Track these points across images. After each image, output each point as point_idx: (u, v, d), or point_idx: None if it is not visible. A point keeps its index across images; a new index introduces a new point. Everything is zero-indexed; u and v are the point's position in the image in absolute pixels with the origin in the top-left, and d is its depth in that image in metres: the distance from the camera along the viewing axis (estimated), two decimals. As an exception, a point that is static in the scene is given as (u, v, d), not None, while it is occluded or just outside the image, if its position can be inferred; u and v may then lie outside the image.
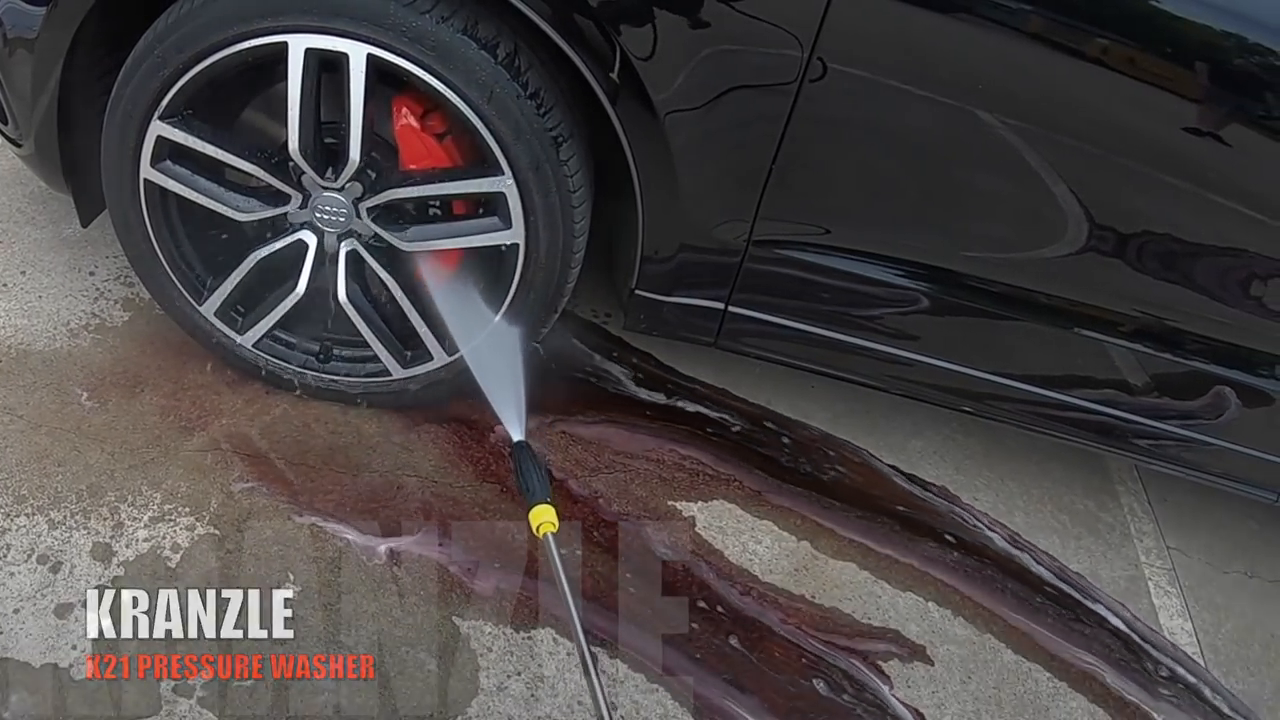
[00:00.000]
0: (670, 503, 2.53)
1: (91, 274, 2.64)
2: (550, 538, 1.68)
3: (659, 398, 2.83)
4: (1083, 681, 2.42)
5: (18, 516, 2.08)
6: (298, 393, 2.46)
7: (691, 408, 2.83)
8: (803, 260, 2.22)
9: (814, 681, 2.23)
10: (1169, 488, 3.13)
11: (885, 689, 2.26)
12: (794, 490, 2.67)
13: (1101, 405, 2.43)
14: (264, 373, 2.42)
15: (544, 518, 1.70)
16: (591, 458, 2.58)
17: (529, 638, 2.13)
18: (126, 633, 1.94)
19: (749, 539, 2.50)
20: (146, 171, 2.12)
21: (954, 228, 2.20)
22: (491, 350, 2.24)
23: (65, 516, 2.11)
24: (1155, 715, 2.39)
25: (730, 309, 2.29)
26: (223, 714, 1.88)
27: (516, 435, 2.02)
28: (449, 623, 2.12)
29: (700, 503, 2.56)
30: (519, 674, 2.08)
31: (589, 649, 1.53)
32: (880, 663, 2.31)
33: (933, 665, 2.35)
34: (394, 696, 1.98)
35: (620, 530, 2.41)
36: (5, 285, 2.55)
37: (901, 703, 2.23)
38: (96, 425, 2.29)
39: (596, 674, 1.50)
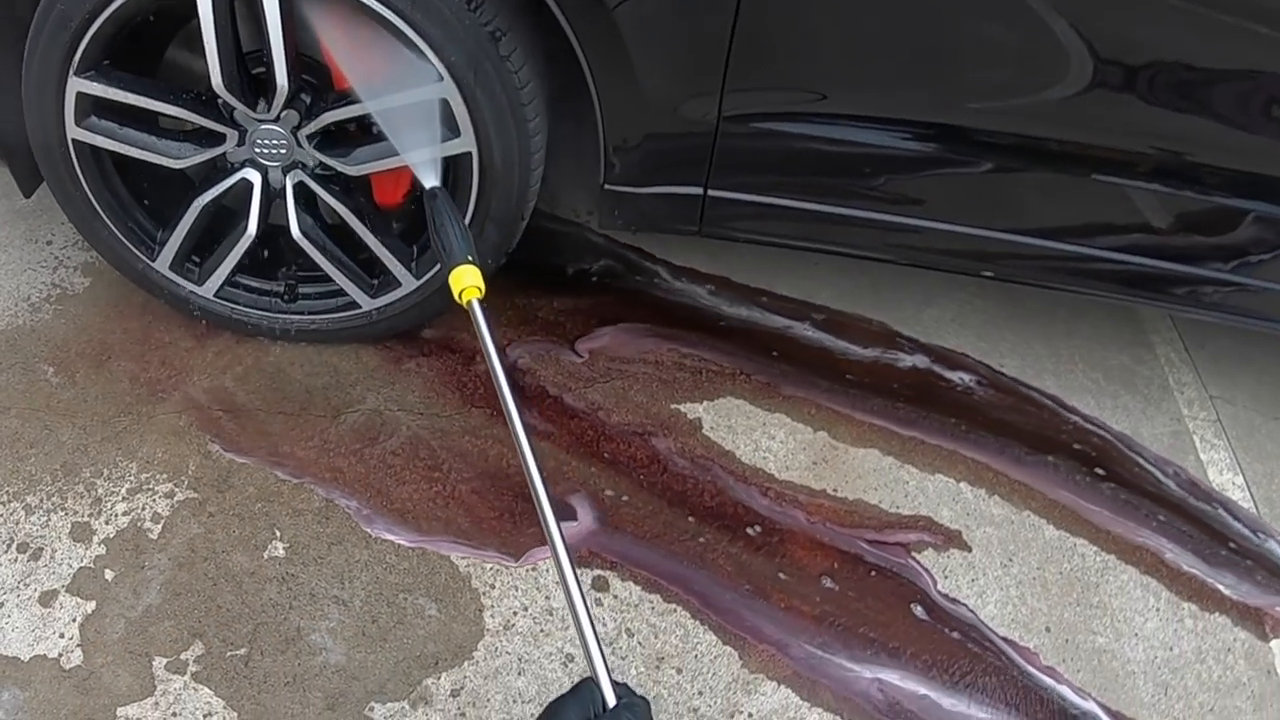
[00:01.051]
0: (674, 406, 2.37)
1: (49, 243, 2.49)
2: (476, 304, 1.44)
3: (653, 295, 2.65)
4: (1133, 553, 2.24)
5: (-7, 505, 1.97)
6: (269, 338, 2.33)
7: (689, 301, 2.66)
8: (783, 132, 2.02)
9: (843, 583, 2.07)
10: (1206, 335, 2.89)
11: (921, 581, 2.10)
12: (806, 378, 2.49)
13: (1127, 254, 2.20)
14: (231, 322, 2.28)
15: (467, 281, 1.46)
16: (585, 368, 2.42)
17: (533, 569, 2.00)
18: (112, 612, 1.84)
19: (761, 435, 2.34)
20: (73, 131, 1.98)
21: (951, 78, 1.98)
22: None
23: (42, 500, 1.99)
24: (1214, 583, 2.21)
25: (710, 193, 2.10)
26: (217, 686, 1.77)
27: (429, 181, 1.78)
28: (447, 563, 1.99)
29: (706, 402, 2.39)
30: (525, 610, 1.94)
31: (529, 443, 1.25)
32: (914, 554, 2.15)
33: (970, 551, 2.18)
34: (395, 648, 1.86)
35: (623, 442, 2.26)
36: (-39, 265, 2.42)
37: (942, 595, 2.07)
38: (66, 400, 2.16)
39: (544, 490, 1.27)
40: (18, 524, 1.95)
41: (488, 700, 1.82)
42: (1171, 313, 2.89)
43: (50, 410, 2.13)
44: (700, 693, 1.88)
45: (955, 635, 2.02)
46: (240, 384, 2.24)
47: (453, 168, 2.02)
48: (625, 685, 1.13)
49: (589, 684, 1.12)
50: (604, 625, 1.94)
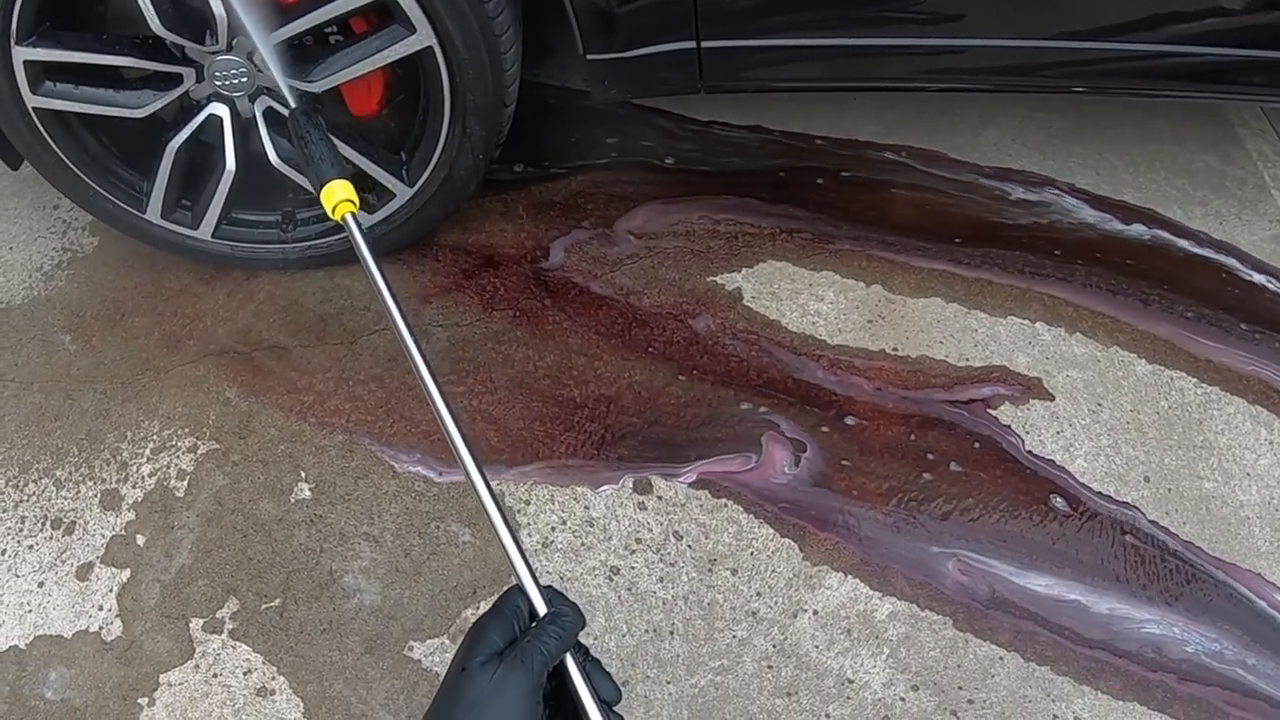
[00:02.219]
0: (710, 278, 2.15)
1: (55, 207, 2.38)
2: (350, 218, 1.35)
3: (676, 156, 2.42)
4: (1239, 381, 1.96)
5: (26, 485, 1.90)
6: (277, 270, 2.20)
7: (715, 160, 2.41)
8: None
9: (910, 453, 1.85)
10: (1302, 123, 2.52)
11: (1000, 440, 1.87)
12: (853, 228, 2.24)
13: (1199, 45, 1.87)
14: (235, 260, 2.15)
15: (340, 196, 1.36)
16: (610, 249, 2.22)
17: (570, 481, 1.84)
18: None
19: (809, 298, 2.11)
20: (32, 100, 1.87)
21: None
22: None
23: (70, 472, 1.91)
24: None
25: (705, 45, 1.84)
26: (254, 641, 1.67)
27: (290, 103, 1.68)
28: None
29: (745, 269, 2.17)
30: (563, 523, 1.79)
31: (420, 354, 1.19)
32: (989, 410, 1.91)
33: (1052, 400, 1.93)
34: (430, 581, 1.73)
35: (655, 328, 2.07)
36: (-25, 243, 2.33)
37: (1029, 453, 1.84)
38: (85, 367, 2.06)
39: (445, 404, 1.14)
40: (50, 500, 1.87)
41: (529, 626, 1.68)
42: (1260, 104, 2.51)
43: (71, 379, 2.05)
44: (759, 594, 1.71)
45: (1041, 497, 1.80)
46: (255, 321, 2.12)
47: (420, 67, 1.85)
48: (553, 589, 1.03)
49: (514, 593, 1.01)
50: (650, 530, 1.78)
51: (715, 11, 1.79)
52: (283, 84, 1.72)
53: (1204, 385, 1.95)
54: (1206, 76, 1.95)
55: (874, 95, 2.18)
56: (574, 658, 0.96)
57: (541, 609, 1.00)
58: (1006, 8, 1.87)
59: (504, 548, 1.06)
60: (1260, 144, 2.42)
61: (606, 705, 0.95)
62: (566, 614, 0.98)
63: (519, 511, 1.80)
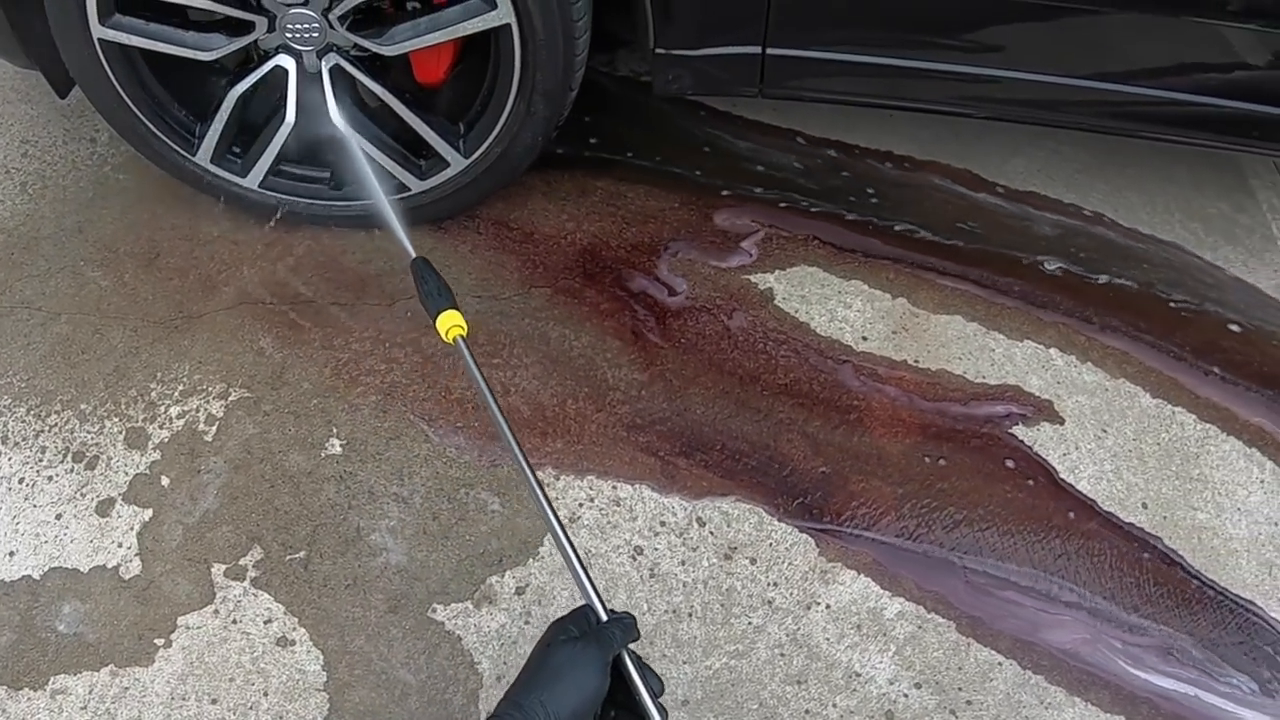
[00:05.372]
0: (744, 277, 2.14)
1: (92, 141, 2.32)
2: (462, 341, 1.44)
3: (713, 159, 2.40)
4: (1237, 420, 2.00)
5: (49, 415, 1.85)
6: (319, 226, 2.15)
7: (752, 161, 2.40)
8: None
9: (926, 460, 1.87)
10: (1312, 180, 2.57)
11: (1013, 455, 1.89)
12: (884, 240, 2.24)
13: (1223, 98, 1.90)
14: (279, 211, 2.11)
15: (452, 322, 1.45)
16: (648, 238, 2.20)
17: (600, 458, 1.83)
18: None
19: (837, 304, 2.11)
20: (99, 31, 1.81)
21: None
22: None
23: (95, 407, 1.86)
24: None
25: (769, 51, 1.84)
26: (277, 591, 1.65)
27: (410, 253, 1.75)
28: (509, 454, 1.82)
29: (777, 271, 2.16)
30: (591, 500, 1.78)
31: (528, 464, 1.32)
32: (1002, 427, 1.93)
33: (1062, 423, 1.95)
34: (457, 546, 1.71)
35: (689, 320, 2.06)
36: (7, 170, 2.25)
37: (1029, 465, 1.87)
38: (116, 303, 2.01)
39: (540, 490, 1.29)
40: (72, 432, 1.83)
41: (553, 598, 1.67)
42: (1273, 158, 2.55)
43: (101, 313, 1.99)
44: (775, 584, 1.71)
45: (1045, 513, 1.82)
46: (293, 275, 2.07)
47: (494, 42, 1.82)
48: (613, 610, 1.19)
49: (585, 608, 1.19)
50: (674, 515, 1.77)
51: (786, 19, 1.78)
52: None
53: (1203, 422, 1.98)
54: (1225, 128, 1.99)
55: (912, 114, 2.18)
56: (629, 655, 1.14)
57: (605, 617, 1.17)
58: (1044, 46, 1.89)
59: (573, 572, 1.22)
60: (1270, 196, 2.46)
61: (653, 694, 1.12)
62: (627, 619, 1.16)
63: (549, 485, 1.79)
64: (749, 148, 2.42)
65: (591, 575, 1.25)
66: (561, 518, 1.71)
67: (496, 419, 1.35)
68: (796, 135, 2.47)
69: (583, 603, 1.20)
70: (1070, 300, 2.15)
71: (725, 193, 2.31)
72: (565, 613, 1.20)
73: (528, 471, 1.29)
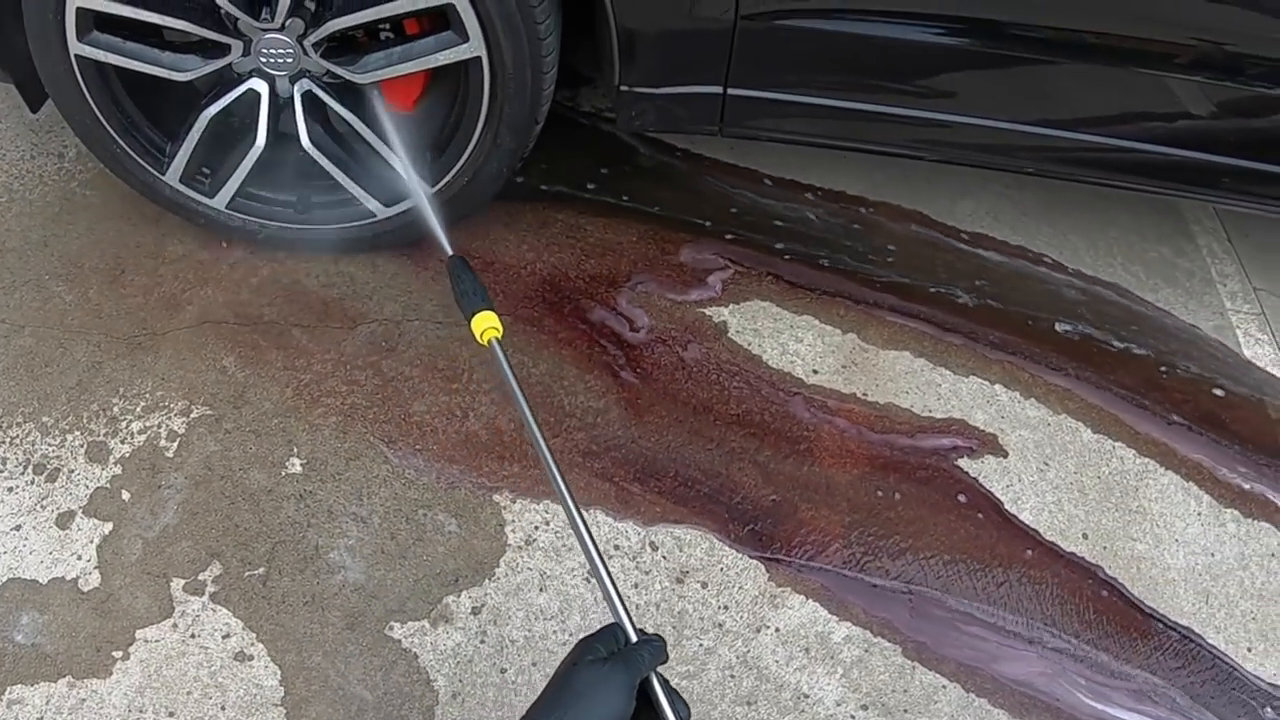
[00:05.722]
0: (699, 311, 2.20)
1: (60, 156, 2.34)
2: (496, 344, 1.48)
3: (671, 194, 2.46)
4: (1175, 455, 2.08)
5: (10, 427, 1.86)
6: (283, 249, 2.18)
7: (708, 198, 2.46)
8: (808, 30, 1.83)
9: (873, 490, 1.92)
10: (1250, 225, 2.67)
11: (952, 490, 1.95)
12: (835, 277, 2.31)
13: (1167, 146, 2.00)
14: (244, 233, 2.14)
15: (487, 324, 1.49)
16: (606, 270, 2.25)
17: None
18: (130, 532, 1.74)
19: (789, 338, 2.17)
20: (75, 47, 1.83)
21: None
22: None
23: (57, 420, 1.88)
24: (1260, 487, 2.05)
25: (730, 92, 1.91)
26: (235, 606, 1.67)
27: (448, 251, 1.77)
28: (467, 477, 1.86)
29: (732, 305, 2.22)
30: (547, 524, 1.82)
31: (556, 466, 1.33)
32: (948, 459, 1.99)
33: (1006, 456, 2.02)
34: (415, 565, 1.74)
35: (644, 350, 2.11)
36: (-27, 183, 2.27)
37: (974, 496, 1.93)
38: (80, 318, 2.03)
39: (569, 493, 1.30)
40: (34, 445, 1.84)
41: (509, 617, 1.70)
42: (1212, 204, 2.66)
43: (64, 328, 2.01)
44: (725, 607, 1.76)
45: (989, 542, 1.88)
46: (256, 296, 2.10)
47: (463, 74, 1.87)
48: (642, 630, 1.17)
49: (614, 627, 1.17)
50: (627, 539, 1.82)
51: (747, 62, 1.85)
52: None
53: (1143, 457, 2.06)
54: (1168, 174, 2.08)
55: (866, 155, 2.25)
56: (657, 678, 1.12)
57: (634, 638, 1.15)
58: (994, 93, 1.97)
59: (605, 592, 1.21)
60: (1210, 241, 2.56)
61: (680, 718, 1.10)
62: (658, 642, 1.14)
63: (504, 509, 1.83)
64: (707, 184, 2.49)
65: (622, 594, 1.25)
66: (520, 541, 1.77)
67: (528, 422, 1.36)
68: (754, 174, 2.54)
69: (611, 621, 1.19)
70: (1015, 337, 2.23)
71: (682, 228, 2.36)
72: (593, 630, 1.18)
73: (556, 475, 1.31)
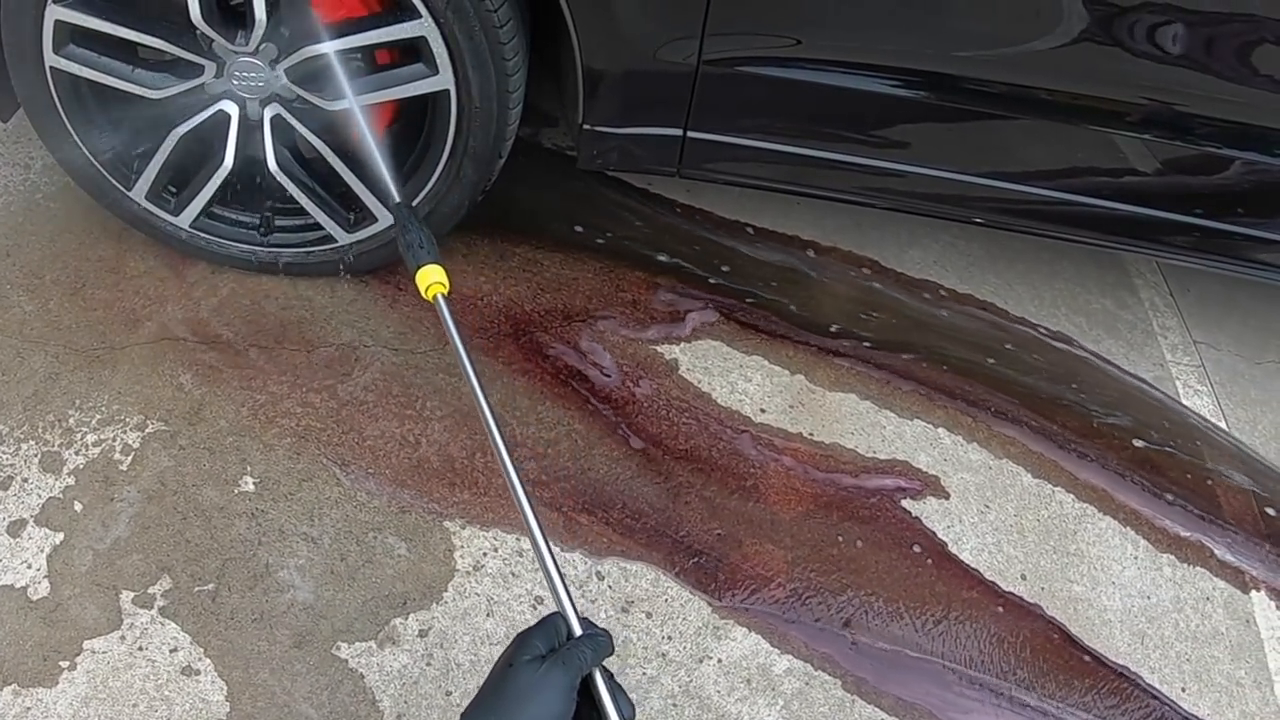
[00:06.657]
0: (651, 348, 2.26)
1: (26, 167, 2.36)
2: (441, 299, 1.46)
3: (627, 232, 2.53)
4: (1113, 500, 2.16)
5: (-38, 433, 1.88)
6: (244, 270, 2.21)
7: (663, 236, 2.53)
8: (768, 77, 1.90)
9: (818, 528, 1.98)
10: (1190, 279, 2.79)
11: (894, 529, 2.01)
12: (785, 319, 2.39)
13: (1113, 200, 2.09)
14: (207, 253, 2.17)
15: (433, 278, 1.47)
16: (561, 304, 2.31)
17: (505, 510, 1.91)
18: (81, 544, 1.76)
19: (738, 377, 2.24)
20: (51, 59, 1.86)
21: (940, 26, 1.85)
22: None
23: (11, 428, 1.89)
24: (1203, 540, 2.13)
25: (690, 135, 1.98)
26: (184, 621, 1.69)
27: (396, 197, 1.74)
28: (419, 502, 1.90)
29: (683, 344, 2.28)
30: (495, 550, 1.86)
31: (500, 432, 1.33)
32: (891, 499, 2.06)
33: (948, 498, 2.09)
34: (364, 587, 1.77)
35: (595, 384, 2.16)
36: (-64, 190, 2.29)
37: (916, 536, 1.99)
38: (39, 328, 2.05)
39: (514, 471, 1.31)
40: (-13, 453, 1.86)
41: (455, 641, 1.74)
42: (1154, 258, 2.75)
43: (23, 338, 2.03)
44: (669, 637, 1.80)
45: (930, 581, 1.95)
46: (215, 315, 2.13)
47: (431, 105, 1.93)
48: (587, 619, 1.14)
49: (555, 617, 1.13)
50: (574, 568, 1.86)
51: (707, 106, 1.92)
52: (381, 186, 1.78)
53: (1081, 501, 2.14)
54: (1113, 228, 2.17)
55: (818, 201, 2.33)
56: (601, 675, 1.07)
57: (578, 631, 1.11)
58: (945, 144, 2.06)
59: (549, 579, 1.17)
60: (1152, 294, 2.67)
61: (624, 719, 1.06)
62: (601, 636, 1.10)
63: (454, 534, 1.86)
64: (663, 224, 2.56)
65: (567, 581, 1.20)
66: (468, 567, 1.81)
67: (469, 377, 1.34)
68: (709, 215, 2.62)
69: (553, 610, 1.14)
70: (959, 383, 2.31)
71: (638, 266, 2.43)
72: (532, 624, 1.13)
73: (496, 438, 1.30)
